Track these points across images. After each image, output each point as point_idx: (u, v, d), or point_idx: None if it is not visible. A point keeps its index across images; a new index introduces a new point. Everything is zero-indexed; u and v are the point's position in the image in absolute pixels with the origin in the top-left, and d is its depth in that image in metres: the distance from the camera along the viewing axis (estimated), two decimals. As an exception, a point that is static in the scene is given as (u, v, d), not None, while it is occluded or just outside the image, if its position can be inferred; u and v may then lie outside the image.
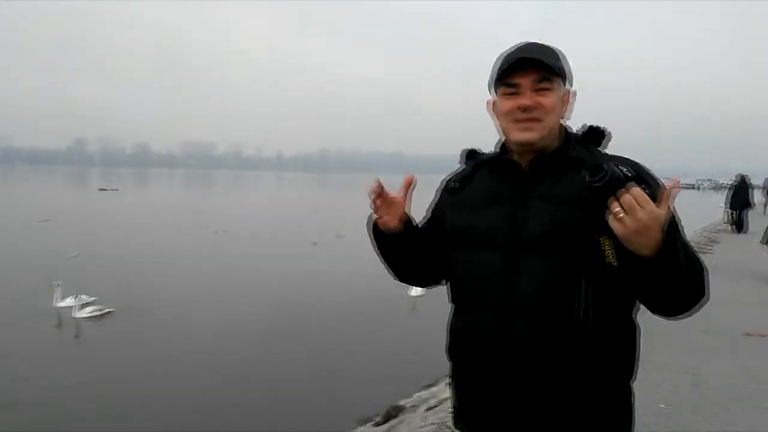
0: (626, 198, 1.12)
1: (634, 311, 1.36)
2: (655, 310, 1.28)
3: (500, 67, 1.35)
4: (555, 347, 1.28)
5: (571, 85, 1.42)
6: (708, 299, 1.26)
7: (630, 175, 1.17)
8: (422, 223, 1.61)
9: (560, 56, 1.37)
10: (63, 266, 13.53)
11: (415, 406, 4.69)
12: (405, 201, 1.52)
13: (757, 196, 20.09)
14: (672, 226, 1.17)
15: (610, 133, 1.40)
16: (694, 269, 1.21)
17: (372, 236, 1.56)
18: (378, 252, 1.59)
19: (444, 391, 5.63)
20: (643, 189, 1.14)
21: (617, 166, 1.19)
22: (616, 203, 1.14)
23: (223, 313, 10.57)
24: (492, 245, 1.35)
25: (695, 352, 5.50)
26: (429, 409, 4.87)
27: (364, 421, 5.92)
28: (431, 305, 10.76)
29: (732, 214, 17.29)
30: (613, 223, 1.15)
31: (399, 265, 1.60)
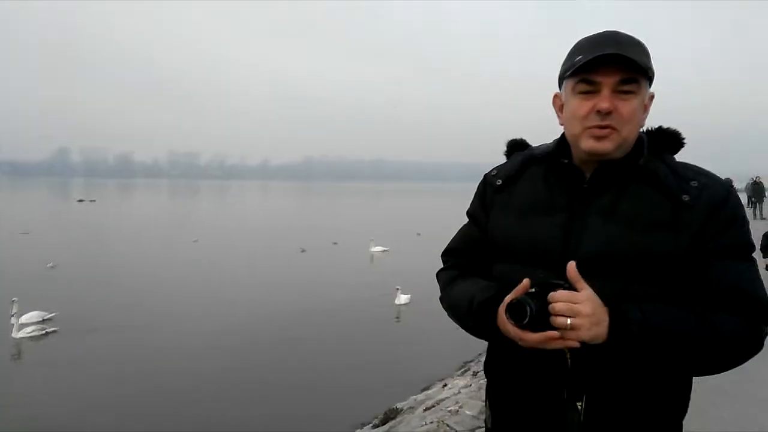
0: (560, 310, 1.02)
1: None
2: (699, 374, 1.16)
3: (579, 59, 1.13)
4: (616, 381, 1.14)
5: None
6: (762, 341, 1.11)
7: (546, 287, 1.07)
8: (465, 233, 1.40)
9: (647, 52, 1.15)
10: (37, 278, 13.84)
11: (412, 407, 4.72)
12: None
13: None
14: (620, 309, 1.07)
15: (682, 136, 1.22)
16: (690, 334, 1.06)
17: (473, 319, 1.22)
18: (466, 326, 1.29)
19: (440, 392, 5.89)
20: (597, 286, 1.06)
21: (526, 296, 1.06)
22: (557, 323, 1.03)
23: (209, 324, 10.49)
24: (543, 263, 1.17)
25: None
26: (427, 409, 4.99)
27: (362, 425, 6.02)
28: (416, 313, 10.95)
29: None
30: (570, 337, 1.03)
31: None
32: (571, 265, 1.06)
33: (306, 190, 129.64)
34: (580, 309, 1.02)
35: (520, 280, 1.12)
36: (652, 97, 1.19)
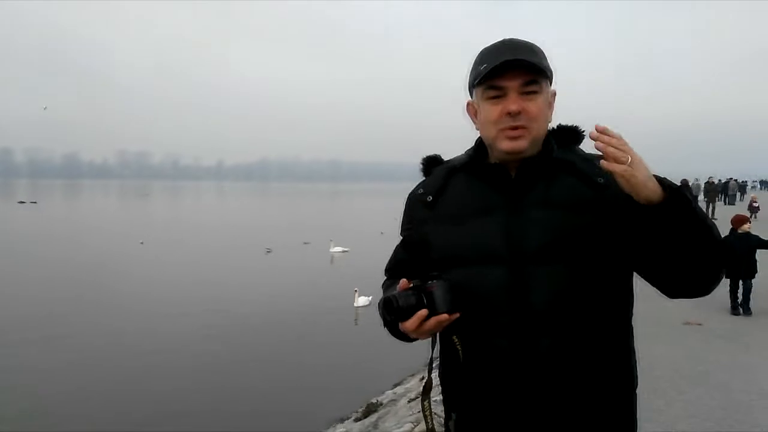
0: (610, 145, 1.07)
1: (632, 317, 1.33)
2: (678, 282, 1.19)
3: (484, 68, 1.22)
4: (577, 361, 1.21)
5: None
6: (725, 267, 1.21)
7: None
8: (398, 255, 1.45)
9: (544, 54, 1.27)
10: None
11: (393, 400, 4.81)
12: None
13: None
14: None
15: (583, 131, 1.32)
16: (708, 220, 1.14)
17: (385, 323, 1.32)
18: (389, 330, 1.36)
19: (419, 385, 5.91)
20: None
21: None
22: (607, 155, 1.08)
23: (159, 328, 10.22)
24: (493, 260, 1.23)
25: (643, 340, 5.90)
26: (411, 400, 5.09)
27: (342, 419, 6.03)
28: (376, 315, 10.79)
29: None
30: (624, 174, 1.07)
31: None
32: (596, 127, 1.11)
33: (263, 191, 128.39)
34: (632, 152, 1.08)
35: (475, 283, 1.22)
36: (554, 94, 1.30)
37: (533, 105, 1.22)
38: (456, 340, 1.27)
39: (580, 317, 1.21)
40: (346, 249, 19.70)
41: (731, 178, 36.27)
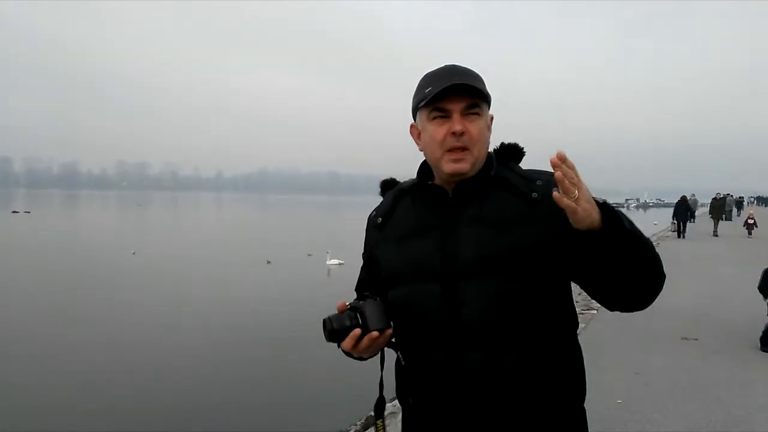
0: (565, 176, 1.06)
1: (576, 331, 1.35)
2: (617, 299, 1.22)
3: (429, 91, 1.28)
4: (510, 375, 1.23)
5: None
6: (664, 279, 1.22)
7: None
8: (361, 275, 1.53)
9: (483, 81, 1.33)
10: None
11: (393, 413, 4.75)
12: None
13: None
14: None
15: (522, 147, 1.39)
16: (643, 238, 1.16)
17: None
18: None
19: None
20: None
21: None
22: (562, 186, 1.07)
23: (154, 341, 10.16)
24: (428, 277, 1.29)
25: (641, 353, 6.01)
26: None
27: None
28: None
29: (677, 224, 22.54)
30: (568, 208, 1.07)
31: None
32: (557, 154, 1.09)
33: (261, 202, 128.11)
34: (581, 183, 1.08)
35: (412, 299, 1.30)
36: (491, 118, 1.36)
37: (474, 127, 1.28)
38: (399, 355, 1.35)
39: (513, 331, 1.23)
40: (341, 261, 19.69)
41: (728, 194, 36.44)
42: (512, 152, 1.38)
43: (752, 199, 67.86)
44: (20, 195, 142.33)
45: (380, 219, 1.44)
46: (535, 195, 1.28)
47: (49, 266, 18.55)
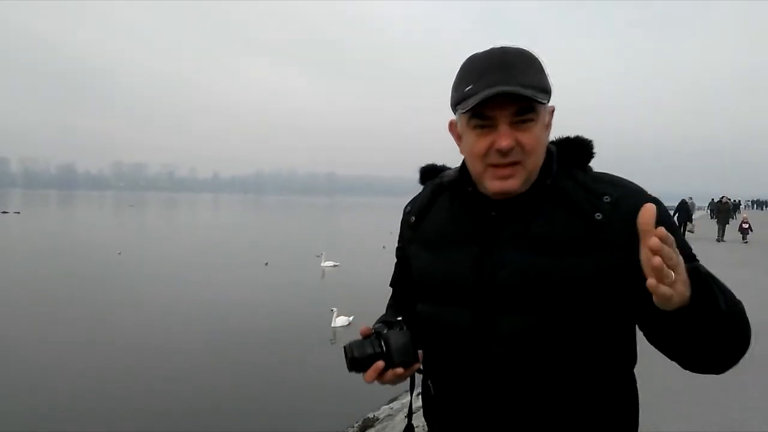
0: (665, 259, 0.81)
1: (633, 368, 1.15)
2: (689, 363, 1.02)
3: (468, 92, 1.02)
4: (545, 423, 1.06)
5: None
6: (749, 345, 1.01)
7: None
8: (395, 272, 1.37)
9: (543, 68, 1.06)
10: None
11: (390, 415, 4.75)
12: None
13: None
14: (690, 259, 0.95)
15: (592, 146, 1.12)
16: (737, 310, 0.95)
17: None
18: None
19: (417, 401, 5.82)
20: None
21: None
22: (657, 274, 0.82)
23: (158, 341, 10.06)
24: (458, 300, 1.10)
25: (638, 357, 5.90)
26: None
27: None
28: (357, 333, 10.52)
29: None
30: (664, 297, 0.83)
31: None
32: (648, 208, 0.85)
33: (258, 203, 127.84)
34: (679, 260, 0.85)
35: (438, 323, 1.13)
36: (552, 111, 1.10)
37: (529, 136, 1.02)
38: (429, 384, 1.21)
39: (549, 377, 1.04)
40: (336, 263, 19.64)
41: (723, 197, 36.48)
42: (578, 153, 1.11)
43: (748, 202, 68.04)
44: (16, 195, 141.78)
45: (414, 217, 1.24)
46: (599, 216, 1.03)
47: (28, 266, 18.36)
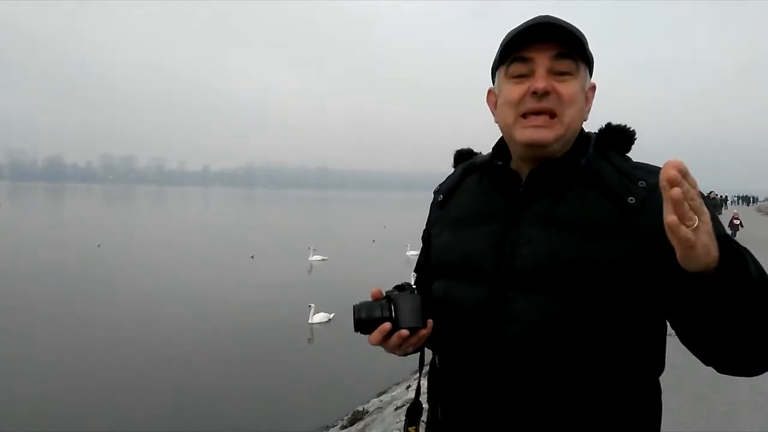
0: (686, 196, 0.75)
1: (659, 376, 1.06)
2: (720, 358, 0.93)
3: (510, 35, 1.01)
4: (551, 417, 0.98)
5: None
6: None
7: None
8: (420, 255, 1.31)
9: (585, 37, 1.02)
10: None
11: (380, 408, 4.84)
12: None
13: None
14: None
15: (634, 133, 1.07)
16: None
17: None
18: None
19: (405, 393, 6.00)
20: None
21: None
22: (678, 211, 0.75)
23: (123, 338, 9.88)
24: (475, 276, 1.05)
25: None
26: (398, 408, 5.06)
27: (327, 427, 6.00)
28: (337, 330, 10.48)
29: None
30: (684, 241, 0.77)
31: None
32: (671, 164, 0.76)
33: (249, 197, 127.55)
34: (703, 208, 0.78)
35: (451, 300, 1.08)
36: (593, 87, 1.07)
37: (566, 87, 0.99)
38: (436, 360, 1.15)
39: (564, 366, 0.97)
40: (324, 257, 19.62)
41: (712, 192, 36.83)
42: (617, 138, 1.06)
43: (735, 198, 68.78)
44: (1, 188, 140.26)
45: (442, 196, 1.21)
46: (632, 200, 0.97)
47: (2, 259, 18.14)
